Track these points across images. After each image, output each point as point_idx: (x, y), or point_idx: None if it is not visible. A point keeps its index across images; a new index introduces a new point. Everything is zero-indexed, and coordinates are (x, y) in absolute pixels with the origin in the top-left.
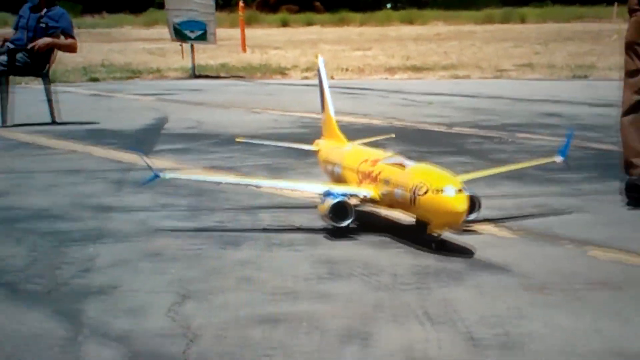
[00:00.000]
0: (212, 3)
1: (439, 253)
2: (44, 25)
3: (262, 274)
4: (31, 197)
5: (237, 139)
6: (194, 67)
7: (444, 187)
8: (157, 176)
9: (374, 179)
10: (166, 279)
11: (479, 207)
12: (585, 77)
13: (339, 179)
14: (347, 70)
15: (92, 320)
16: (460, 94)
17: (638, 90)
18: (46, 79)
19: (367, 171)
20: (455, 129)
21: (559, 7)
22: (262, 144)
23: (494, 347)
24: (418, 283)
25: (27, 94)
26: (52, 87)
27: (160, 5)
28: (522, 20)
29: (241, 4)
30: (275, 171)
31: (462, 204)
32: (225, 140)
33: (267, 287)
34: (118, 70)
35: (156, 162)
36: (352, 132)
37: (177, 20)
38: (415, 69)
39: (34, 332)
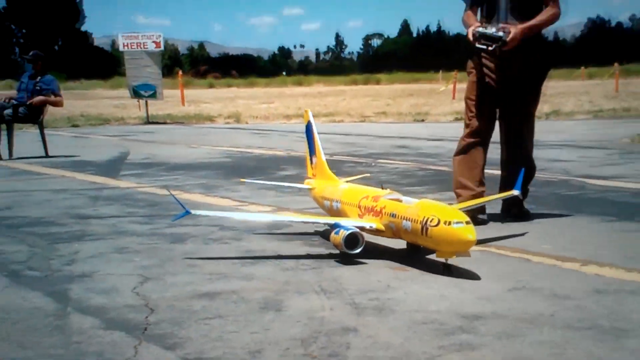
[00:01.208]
0: (160, 72)
1: (327, 245)
2: (39, 88)
3: (201, 262)
4: (30, 209)
5: (242, 180)
6: (147, 116)
7: (453, 220)
8: (187, 212)
9: (378, 213)
10: (131, 266)
11: None
12: (423, 120)
13: (338, 213)
14: (256, 117)
15: (76, 297)
16: (337, 132)
17: (467, 136)
18: (40, 125)
19: (369, 206)
20: (335, 157)
21: (402, 73)
22: (264, 184)
23: (370, 309)
24: (314, 265)
25: (26, 136)
26: (45, 131)
27: (123, 74)
28: (377, 82)
29: (180, 72)
30: (209, 188)
31: (471, 234)
32: (171, 167)
33: (205, 270)
34: (92, 118)
35: (120, 183)
36: (264, 161)
37: (135, 83)
38: (300, 116)
39: (33, 306)
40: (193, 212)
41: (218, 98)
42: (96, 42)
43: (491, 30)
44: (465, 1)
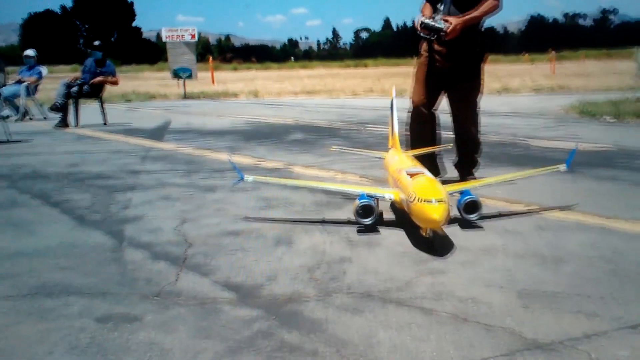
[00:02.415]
0: (194, 58)
1: (328, 195)
2: (99, 70)
3: (228, 207)
4: (93, 166)
5: (332, 149)
6: (185, 93)
7: (428, 198)
8: (242, 179)
9: (397, 185)
10: (172, 210)
11: (480, 208)
12: (402, 96)
13: (389, 183)
14: (271, 94)
15: (129, 235)
16: (334, 105)
17: (412, 112)
18: (100, 100)
19: (395, 177)
20: (333, 125)
21: (385, 59)
22: (350, 152)
23: (362, 243)
24: (317, 210)
25: (89, 109)
26: (104, 105)
27: (165, 60)
28: (366, 66)
29: (210, 58)
30: (233, 149)
31: (438, 213)
32: (203, 133)
33: (230, 213)
34: (141, 95)
35: (164, 146)
36: (276, 128)
37: (175, 67)
38: (308, 92)
39: (95, 242)
40: (245, 178)
41: (240, 79)
42: (144, 35)
43: (434, 21)
44: None
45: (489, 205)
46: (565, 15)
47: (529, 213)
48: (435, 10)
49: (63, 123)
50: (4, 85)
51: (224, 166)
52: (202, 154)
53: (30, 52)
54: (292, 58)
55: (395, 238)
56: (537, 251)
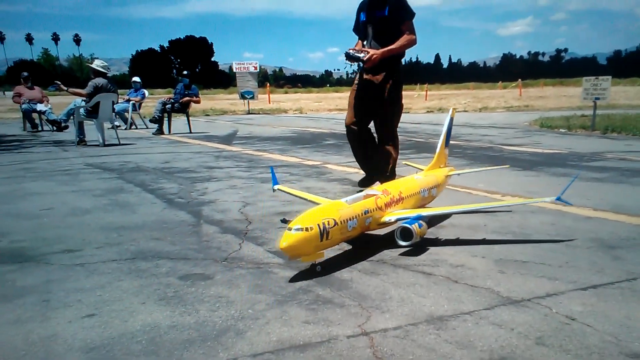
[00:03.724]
0: (256, 84)
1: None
2: (186, 92)
3: (278, 194)
4: (180, 163)
5: (404, 163)
6: (248, 110)
7: (289, 225)
8: (275, 184)
9: None
10: (238, 196)
11: (413, 237)
12: (408, 112)
13: None
14: (311, 110)
15: (205, 214)
16: None
17: (347, 133)
18: (187, 114)
19: None
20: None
21: None
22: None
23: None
24: (345, 196)
25: (179, 121)
26: (190, 118)
27: (235, 85)
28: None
29: (267, 84)
30: (283, 151)
31: (284, 240)
32: (262, 139)
33: (281, 199)
34: (217, 111)
35: (232, 148)
36: (315, 135)
37: (242, 90)
38: (339, 109)
39: (180, 219)
40: (276, 187)
41: (289, 99)
42: (220, 67)
43: (356, 52)
44: (357, 35)
45: (473, 194)
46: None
47: (503, 200)
48: (363, 46)
49: (159, 131)
50: (116, 103)
51: (277, 164)
52: (260, 155)
53: (136, 78)
54: (328, 85)
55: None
56: (510, 229)
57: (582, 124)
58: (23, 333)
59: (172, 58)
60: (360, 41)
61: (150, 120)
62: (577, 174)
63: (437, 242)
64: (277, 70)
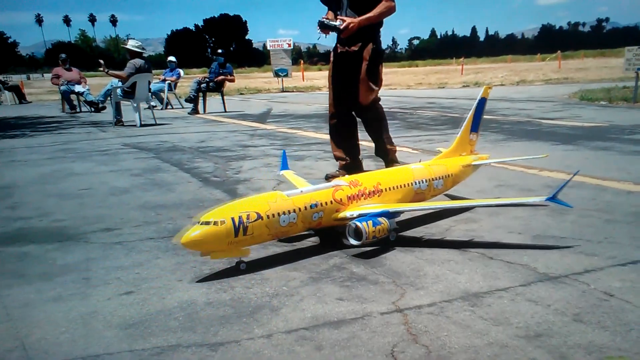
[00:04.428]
0: (290, 61)
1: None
2: (221, 71)
3: (313, 171)
4: (215, 142)
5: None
6: (282, 87)
7: (199, 219)
8: (279, 174)
9: None
10: (272, 174)
11: (365, 236)
12: (443, 87)
13: None
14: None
15: (240, 192)
16: (392, 95)
17: (330, 118)
18: (222, 93)
19: None
20: (392, 109)
21: (431, 60)
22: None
23: None
24: None
25: (214, 100)
26: (225, 97)
27: (269, 63)
28: (417, 66)
29: (302, 62)
30: (317, 128)
31: (186, 235)
32: (296, 117)
33: (315, 176)
34: (251, 89)
35: (267, 126)
36: None
37: (276, 68)
38: None
39: (215, 197)
40: (281, 172)
41: (323, 77)
42: (254, 45)
43: (330, 20)
44: (325, 5)
45: (509, 169)
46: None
47: (540, 175)
48: (335, 16)
49: (194, 111)
50: (151, 82)
51: (311, 141)
52: (294, 133)
53: (172, 58)
54: None
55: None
56: (547, 205)
57: (624, 96)
58: (64, 310)
59: (207, 37)
60: (330, 12)
61: (186, 100)
62: (575, 171)
63: (473, 219)
64: (311, 47)
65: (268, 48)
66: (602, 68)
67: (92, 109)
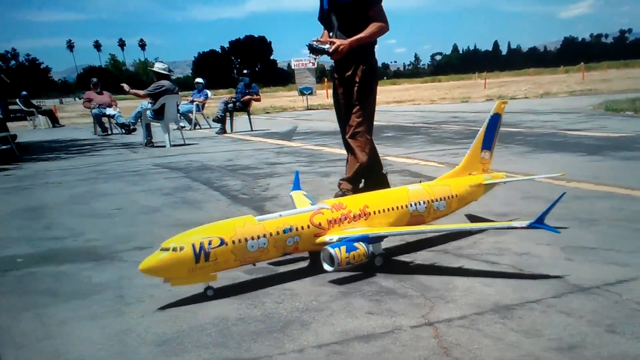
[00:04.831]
0: (314, 80)
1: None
2: (247, 91)
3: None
4: (243, 160)
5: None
6: (307, 105)
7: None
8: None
9: None
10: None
11: (338, 263)
12: (467, 101)
13: None
14: None
15: (267, 209)
16: (416, 110)
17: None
18: (248, 113)
19: None
20: (416, 124)
21: (454, 75)
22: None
23: None
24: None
25: (241, 120)
26: (251, 116)
27: (293, 82)
28: (439, 81)
29: (325, 80)
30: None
31: (145, 262)
32: (320, 134)
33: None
34: (277, 108)
35: (293, 144)
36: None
37: (301, 87)
38: (397, 101)
39: (245, 214)
40: (291, 193)
41: None
42: (279, 65)
43: (320, 43)
44: (322, 25)
45: (536, 181)
46: (591, 35)
47: (568, 186)
48: (329, 37)
49: (222, 130)
50: (179, 104)
51: (337, 157)
52: (320, 149)
53: (199, 79)
54: (385, 77)
55: (463, 210)
56: (576, 215)
57: None
58: (99, 327)
59: (233, 58)
60: (326, 31)
61: (214, 120)
62: (561, 194)
63: (500, 231)
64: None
65: (292, 67)
66: (626, 79)
67: (124, 131)
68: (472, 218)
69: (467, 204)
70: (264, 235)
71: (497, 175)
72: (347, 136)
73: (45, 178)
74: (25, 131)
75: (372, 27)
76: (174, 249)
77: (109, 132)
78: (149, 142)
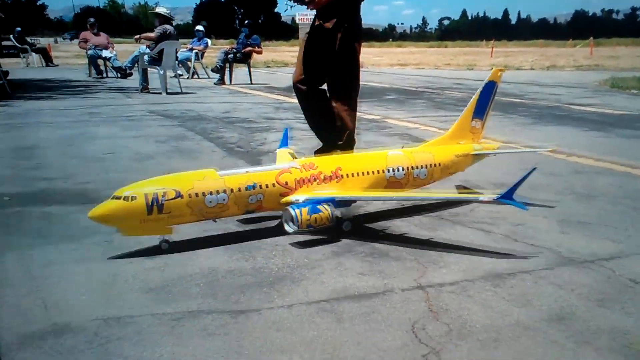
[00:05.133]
0: None
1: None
2: (248, 42)
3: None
4: (240, 113)
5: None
6: None
7: (115, 193)
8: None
9: None
10: (297, 147)
11: (298, 224)
12: (472, 69)
13: None
14: (372, 64)
15: (264, 163)
16: (420, 74)
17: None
18: (248, 65)
19: None
20: (419, 89)
21: (461, 41)
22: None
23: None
24: None
25: (240, 71)
26: (251, 69)
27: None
28: (446, 47)
29: None
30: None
31: (96, 209)
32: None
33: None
34: (278, 62)
35: (293, 100)
36: (376, 90)
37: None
38: (401, 64)
39: (238, 166)
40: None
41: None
42: (282, 19)
43: None
44: None
45: (537, 153)
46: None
47: (569, 160)
48: None
49: (221, 81)
50: (178, 51)
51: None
52: None
53: (200, 27)
54: (391, 39)
55: (461, 177)
56: (574, 189)
57: None
58: (86, 271)
59: (235, 8)
60: None
61: (212, 70)
62: (531, 169)
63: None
64: None
65: (297, 22)
66: (634, 57)
67: (119, 75)
68: (459, 187)
69: (452, 174)
70: (224, 191)
71: (488, 146)
72: (333, 99)
73: (37, 117)
74: (18, 69)
75: None
76: (126, 198)
77: (104, 74)
78: (145, 88)
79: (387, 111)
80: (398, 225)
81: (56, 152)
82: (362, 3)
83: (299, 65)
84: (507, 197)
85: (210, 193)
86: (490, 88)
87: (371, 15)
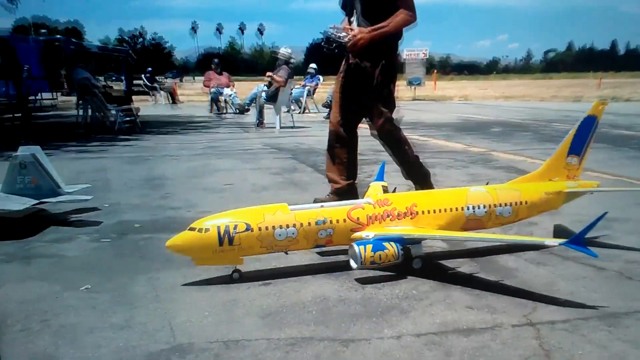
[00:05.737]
0: (424, 71)
1: None
2: None
3: (442, 179)
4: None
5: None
6: (414, 96)
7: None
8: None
9: None
10: (403, 180)
11: (360, 261)
12: (579, 101)
13: None
14: (477, 97)
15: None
16: (525, 107)
17: (330, 133)
18: None
19: None
20: (525, 121)
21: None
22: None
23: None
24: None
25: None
26: None
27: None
28: (551, 78)
29: (435, 71)
30: (448, 137)
31: (174, 238)
32: (427, 125)
33: (443, 184)
34: None
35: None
36: (481, 124)
37: (410, 77)
38: (506, 97)
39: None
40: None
41: (454, 87)
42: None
43: (337, 31)
44: (344, 11)
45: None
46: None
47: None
48: (350, 24)
49: None
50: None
51: (442, 149)
52: (426, 141)
53: (313, 65)
54: (495, 72)
55: (574, 210)
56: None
57: None
58: (208, 296)
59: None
60: (347, 18)
61: (323, 105)
62: (602, 214)
63: (609, 237)
64: (445, 57)
65: (404, 58)
66: None
67: (237, 111)
68: (559, 226)
69: (541, 212)
70: (294, 225)
71: (585, 184)
72: (375, 131)
73: (164, 151)
74: (147, 106)
75: (397, 18)
76: (199, 230)
77: (224, 111)
78: (261, 123)
79: (492, 144)
80: (506, 259)
81: (181, 183)
82: (450, 40)
83: (335, 110)
84: (575, 242)
85: (280, 227)
86: (590, 123)
87: (475, 49)
